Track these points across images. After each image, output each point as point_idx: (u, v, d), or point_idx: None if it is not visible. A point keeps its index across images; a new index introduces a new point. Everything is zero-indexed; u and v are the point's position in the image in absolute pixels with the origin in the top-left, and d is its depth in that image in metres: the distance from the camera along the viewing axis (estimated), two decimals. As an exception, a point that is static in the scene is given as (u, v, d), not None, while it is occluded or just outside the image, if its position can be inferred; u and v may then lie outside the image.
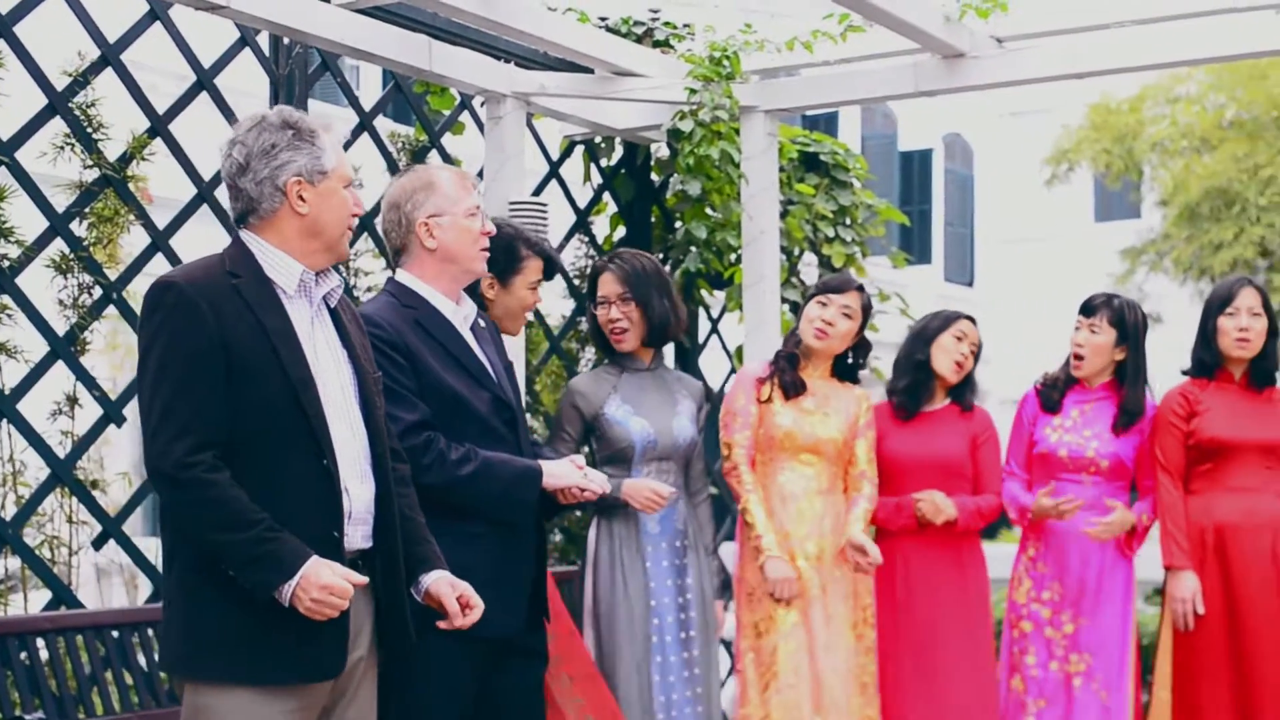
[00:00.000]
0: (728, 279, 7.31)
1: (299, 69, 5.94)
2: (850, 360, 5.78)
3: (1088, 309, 5.91)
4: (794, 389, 5.65)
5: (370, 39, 5.74)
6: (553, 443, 5.42)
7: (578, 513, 5.47)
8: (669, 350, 7.32)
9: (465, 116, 6.85)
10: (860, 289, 5.71)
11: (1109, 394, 5.91)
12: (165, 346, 3.46)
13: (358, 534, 3.65)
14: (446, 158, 6.54)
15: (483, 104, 6.50)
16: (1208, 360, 5.86)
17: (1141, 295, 19.71)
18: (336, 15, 5.60)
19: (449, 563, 4.19)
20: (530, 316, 6.92)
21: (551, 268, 5.05)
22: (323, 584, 3.40)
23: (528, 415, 6.70)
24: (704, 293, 7.52)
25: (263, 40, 5.93)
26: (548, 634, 4.72)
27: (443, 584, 3.85)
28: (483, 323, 4.59)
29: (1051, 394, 5.98)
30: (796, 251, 7.77)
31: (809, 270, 7.98)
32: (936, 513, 5.71)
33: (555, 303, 7.68)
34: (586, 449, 5.63)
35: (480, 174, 6.50)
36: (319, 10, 5.54)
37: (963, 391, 5.95)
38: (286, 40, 5.85)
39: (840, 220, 7.90)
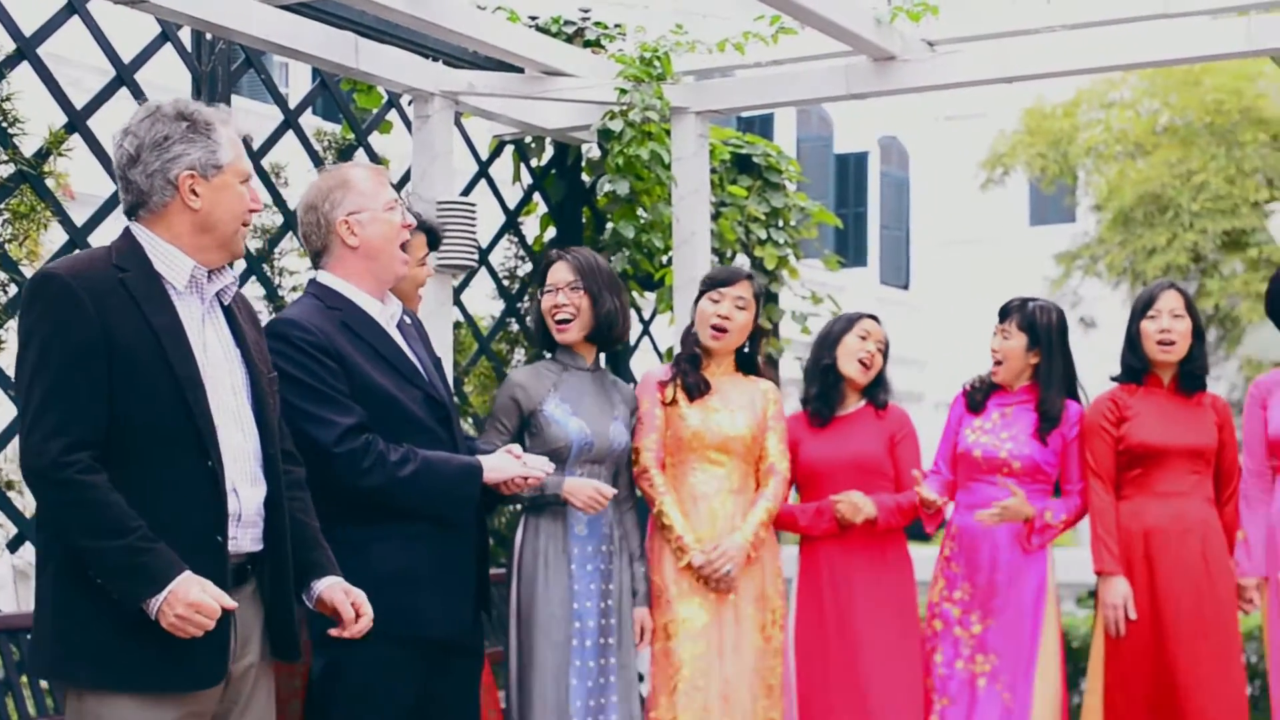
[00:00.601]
0: (658, 280, 7.27)
1: (221, 65, 5.86)
2: (747, 350, 5.76)
3: (1001, 314, 5.95)
4: (698, 390, 5.62)
5: (295, 36, 5.66)
6: (486, 434, 5.35)
7: (517, 505, 5.39)
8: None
9: (393, 115, 6.78)
10: (750, 278, 5.68)
11: (1029, 397, 5.94)
12: (44, 340, 3.38)
13: (247, 537, 3.58)
14: (374, 157, 6.47)
15: (410, 103, 6.43)
16: (1135, 365, 5.89)
17: (1076, 299, 19.81)
18: (260, 11, 5.52)
19: (392, 565, 4.19)
20: (459, 316, 6.90)
21: (435, 238, 5.01)
22: (190, 601, 3.32)
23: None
24: (634, 294, 7.47)
25: (186, 36, 5.84)
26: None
27: (336, 590, 3.78)
28: (409, 320, 4.54)
29: (976, 396, 6.03)
30: (729, 253, 7.74)
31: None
32: (855, 512, 5.70)
33: (484, 304, 7.62)
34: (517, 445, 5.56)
35: (408, 173, 6.44)
36: (242, 6, 5.45)
37: (875, 391, 5.96)
38: (209, 36, 5.76)
39: (773, 222, 7.88)
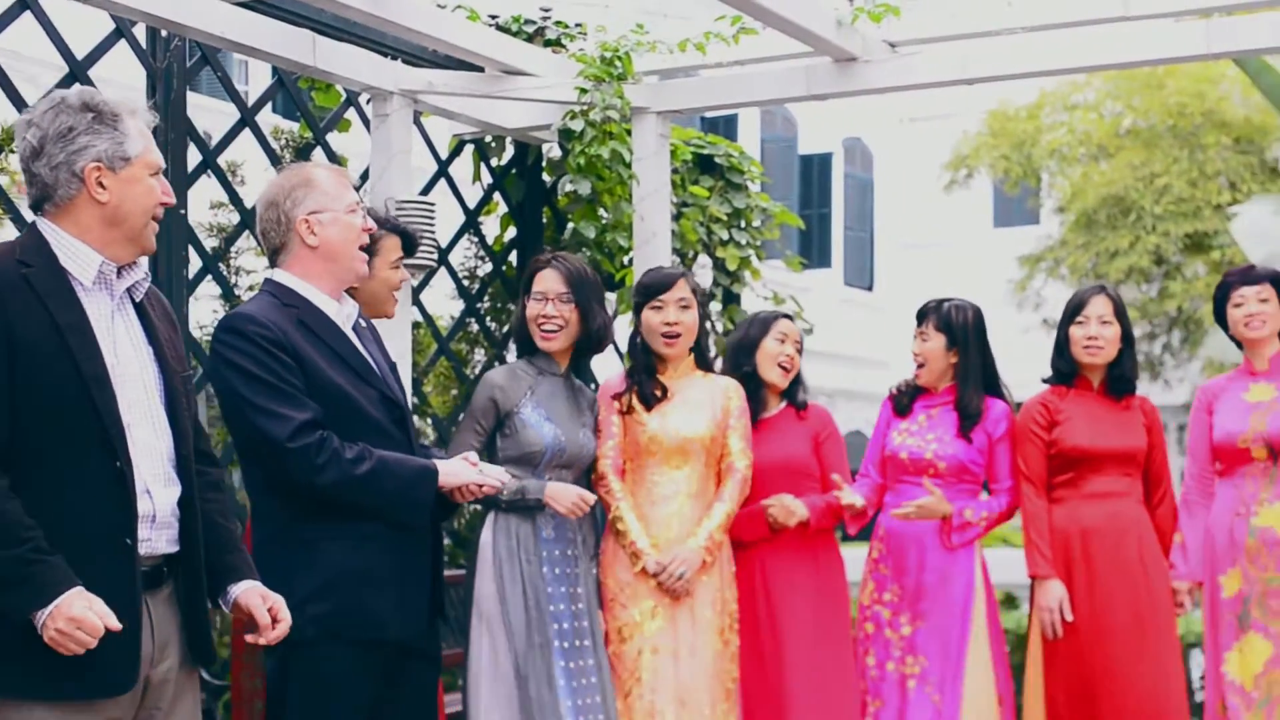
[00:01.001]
0: (619, 280, 7.24)
1: (177, 62, 5.80)
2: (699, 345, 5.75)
3: (919, 317, 5.98)
4: (655, 399, 5.61)
5: (251, 33, 5.61)
6: (461, 434, 5.35)
7: (477, 506, 5.36)
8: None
9: (352, 114, 6.73)
10: (684, 274, 5.67)
11: (953, 398, 5.96)
12: None
13: (162, 538, 3.50)
14: (331, 155, 6.42)
15: (369, 101, 6.38)
16: (1063, 369, 5.96)
17: (1039, 301, 19.88)
18: (216, 8, 5.48)
19: (345, 565, 4.14)
20: (418, 316, 6.86)
21: (409, 243, 4.99)
22: (71, 616, 3.22)
23: (415, 417, 6.60)
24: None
25: (141, 32, 5.78)
26: None
27: (253, 594, 3.71)
28: (364, 322, 4.50)
29: (902, 399, 6.05)
30: (691, 254, 7.71)
31: (703, 273, 7.94)
32: (788, 515, 5.68)
33: (444, 304, 7.57)
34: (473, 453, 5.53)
35: (366, 172, 6.40)
36: (198, 2, 5.40)
37: (794, 392, 5.95)
38: (164, 32, 5.71)
39: (734, 223, 7.86)
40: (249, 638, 3.72)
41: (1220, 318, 5.98)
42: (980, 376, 5.92)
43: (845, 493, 5.70)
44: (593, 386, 5.75)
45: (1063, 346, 5.94)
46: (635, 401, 5.59)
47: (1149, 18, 6.15)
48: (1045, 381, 5.99)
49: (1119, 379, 5.91)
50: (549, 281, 5.38)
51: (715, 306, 7.98)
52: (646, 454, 5.58)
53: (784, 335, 5.88)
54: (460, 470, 4.43)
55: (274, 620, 3.69)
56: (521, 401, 5.35)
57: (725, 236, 7.78)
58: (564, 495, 5.21)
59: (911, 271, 23.73)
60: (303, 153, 6.51)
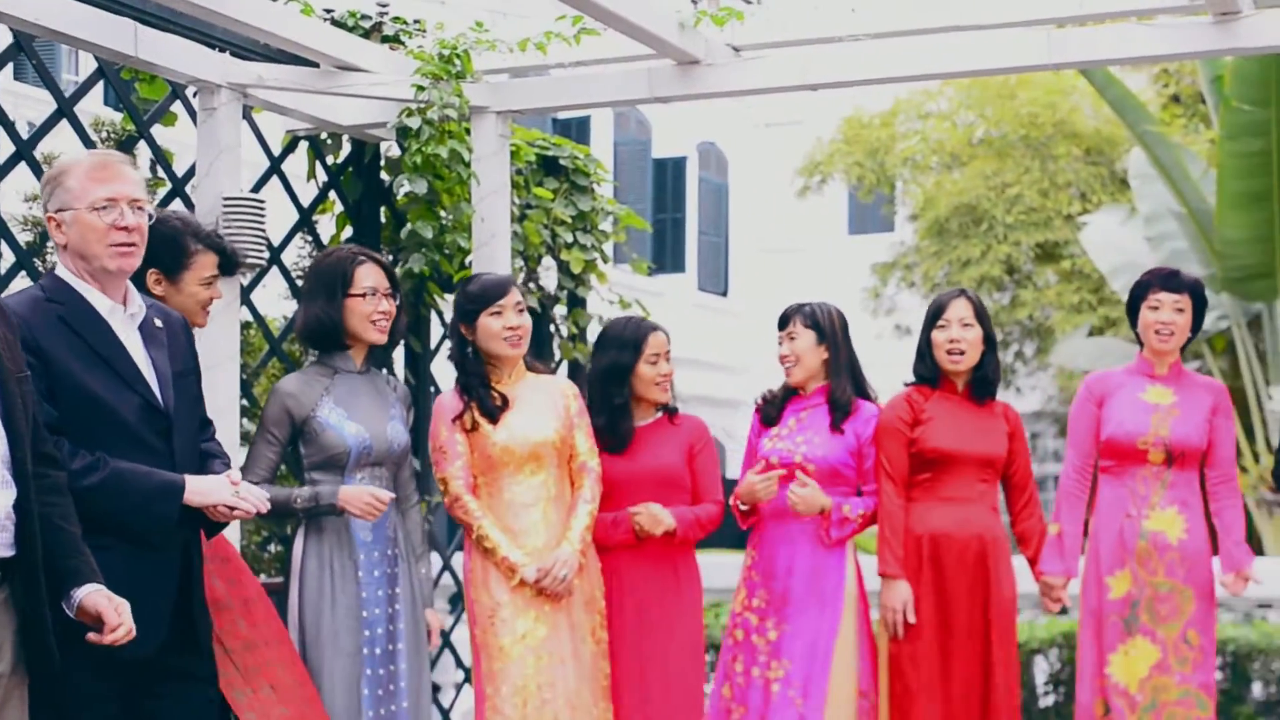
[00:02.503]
0: (459, 282, 7.08)
1: (-11, 48, 5.57)
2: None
3: (783, 320, 5.95)
4: (497, 409, 5.52)
5: (67, 20, 5.40)
6: (256, 446, 5.24)
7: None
8: (399, 354, 7.10)
9: (181, 107, 6.51)
10: (512, 279, 5.66)
11: (824, 398, 5.94)
12: None
13: None
14: (156, 149, 6.20)
15: (195, 94, 6.18)
16: (926, 374, 5.97)
17: (892, 306, 20.03)
18: (30, -8, 5.27)
19: None
20: (248, 316, 6.66)
21: (229, 262, 4.89)
22: None
23: (244, 420, 6.43)
24: (435, 296, 7.29)
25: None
26: (229, 649, 4.59)
27: (99, 597, 3.66)
28: (159, 323, 4.33)
29: (770, 410, 6.01)
30: (535, 256, 7.61)
31: (548, 275, 7.84)
32: (655, 524, 5.65)
33: (276, 304, 7.38)
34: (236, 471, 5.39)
35: (193, 168, 6.20)
36: (10, -15, 5.20)
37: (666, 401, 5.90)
38: (-27, 17, 5.47)
39: (579, 225, 7.77)
40: (91, 637, 3.67)
41: (1132, 313, 6.03)
42: (850, 373, 5.91)
43: (752, 475, 5.75)
44: (391, 381, 5.63)
45: (925, 351, 5.94)
46: (478, 416, 5.49)
47: (992, 27, 6.16)
48: (907, 385, 5.99)
49: (981, 381, 5.92)
50: (375, 277, 5.36)
51: (560, 310, 7.89)
52: (500, 465, 5.50)
53: (656, 355, 5.80)
54: (213, 489, 4.29)
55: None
56: (318, 405, 5.27)
57: (570, 239, 7.69)
58: (356, 498, 5.13)
59: (766, 277, 23.79)
60: (125, 145, 6.29)
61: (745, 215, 24.93)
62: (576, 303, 7.88)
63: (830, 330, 5.90)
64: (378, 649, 5.25)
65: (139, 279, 4.82)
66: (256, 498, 4.35)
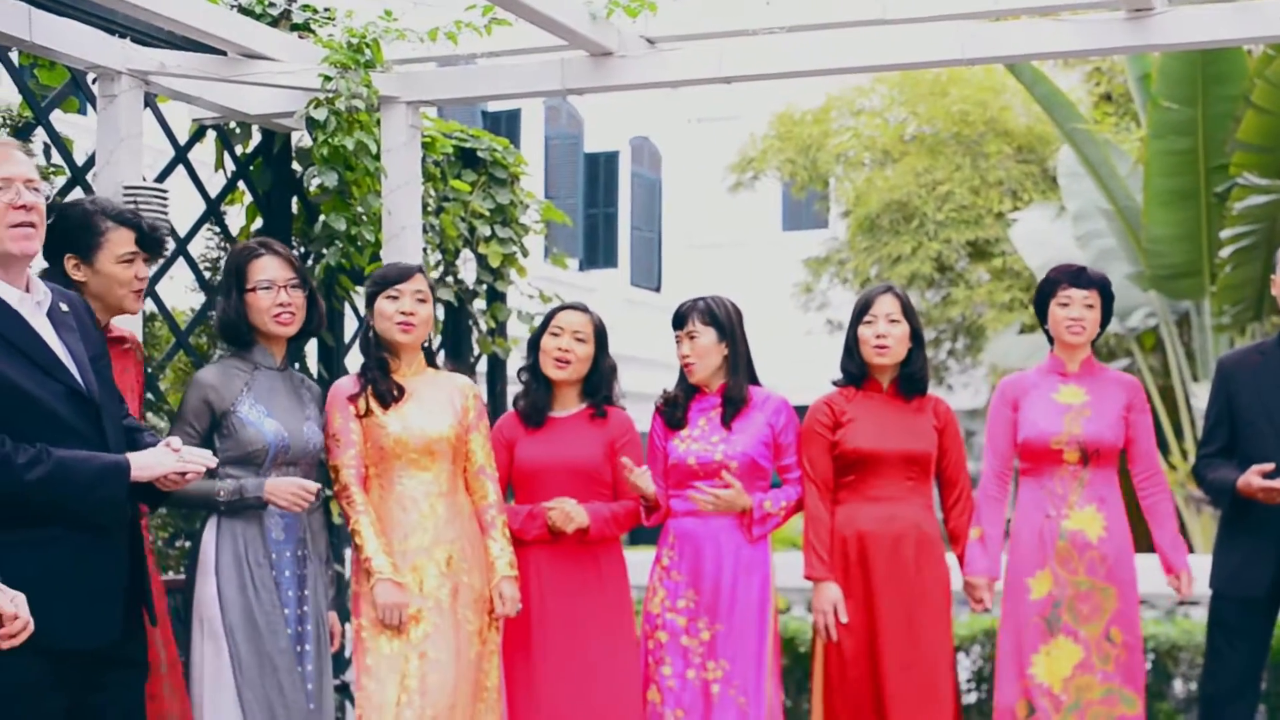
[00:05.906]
0: (370, 275, 7.00)
1: None
2: (428, 344, 5.66)
3: (680, 319, 5.91)
4: (391, 397, 5.44)
5: (-46, 2, 5.29)
6: (175, 436, 5.10)
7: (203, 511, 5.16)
8: (312, 346, 6.99)
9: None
10: (421, 269, 5.58)
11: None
12: None
13: None
14: (55, 136, 6.08)
15: (95, 81, 6.06)
16: (853, 370, 5.92)
17: (824, 302, 20.02)
18: (-83, -27, 5.15)
19: (23, 574, 3.88)
20: (153, 308, 6.55)
21: (146, 239, 4.81)
22: None
23: (150, 415, 6.32)
24: (347, 289, 7.19)
25: None
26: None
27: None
28: (65, 307, 4.22)
29: (674, 412, 5.94)
30: (452, 249, 7.52)
31: (467, 268, 7.75)
32: (567, 521, 5.59)
33: (182, 296, 7.26)
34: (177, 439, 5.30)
35: (94, 156, 6.09)
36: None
37: (594, 393, 5.83)
38: None
39: (498, 219, 7.68)
40: None
41: (1041, 311, 6.02)
42: (747, 365, 5.88)
43: (641, 477, 5.63)
44: (306, 381, 5.54)
45: (852, 348, 5.91)
46: (372, 402, 5.41)
47: (906, 22, 6.15)
48: (835, 384, 5.96)
49: (909, 378, 5.89)
50: (277, 269, 5.26)
51: (479, 304, 7.80)
52: (393, 457, 5.42)
53: (560, 329, 5.74)
54: (158, 460, 4.20)
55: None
56: (238, 399, 5.19)
57: (489, 233, 7.61)
58: (283, 488, 5.06)
59: (699, 273, 23.70)
60: (22, 132, 6.16)
61: (678, 210, 24.88)
62: (496, 297, 7.79)
63: (729, 326, 5.84)
64: (297, 646, 5.19)
65: (58, 267, 4.76)
66: (201, 456, 4.27)
